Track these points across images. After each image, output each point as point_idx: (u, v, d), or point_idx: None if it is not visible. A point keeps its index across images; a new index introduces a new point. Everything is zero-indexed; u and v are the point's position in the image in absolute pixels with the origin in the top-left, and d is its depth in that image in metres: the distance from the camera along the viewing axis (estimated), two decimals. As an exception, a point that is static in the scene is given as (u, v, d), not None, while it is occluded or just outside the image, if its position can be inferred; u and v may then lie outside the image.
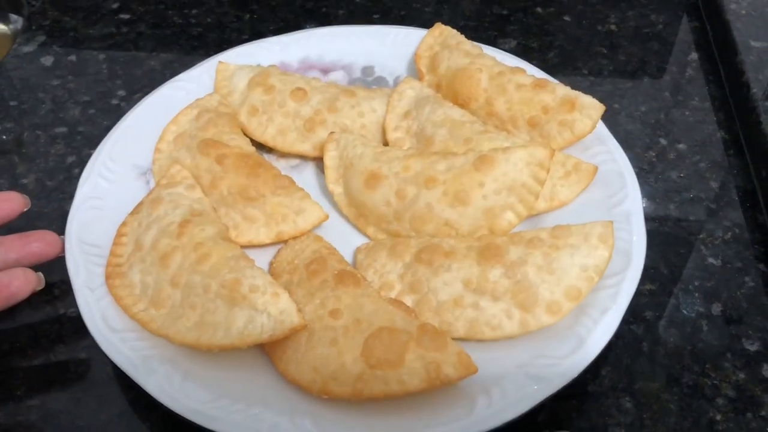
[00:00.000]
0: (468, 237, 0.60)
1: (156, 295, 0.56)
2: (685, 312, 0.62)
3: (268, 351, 0.55)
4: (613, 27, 0.92)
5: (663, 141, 0.77)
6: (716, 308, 0.62)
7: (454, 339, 0.53)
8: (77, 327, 0.60)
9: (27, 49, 0.88)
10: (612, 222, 0.58)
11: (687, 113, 0.80)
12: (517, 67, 0.71)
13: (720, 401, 0.56)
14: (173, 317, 0.55)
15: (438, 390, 0.51)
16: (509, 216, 0.61)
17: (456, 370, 0.50)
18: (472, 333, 0.55)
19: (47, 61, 0.87)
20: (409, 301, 0.57)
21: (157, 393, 0.51)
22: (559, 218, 0.63)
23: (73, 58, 0.87)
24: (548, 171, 0.60)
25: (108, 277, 0.58)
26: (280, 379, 0.53)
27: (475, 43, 0.77)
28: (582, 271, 0.56)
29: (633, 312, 0.61)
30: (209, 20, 0.93)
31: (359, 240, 0.65)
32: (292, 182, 0.64)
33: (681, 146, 0.76)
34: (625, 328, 0.61)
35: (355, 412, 0.51)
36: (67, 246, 0.60)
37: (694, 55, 0.87)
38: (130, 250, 0.60)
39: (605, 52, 0.88)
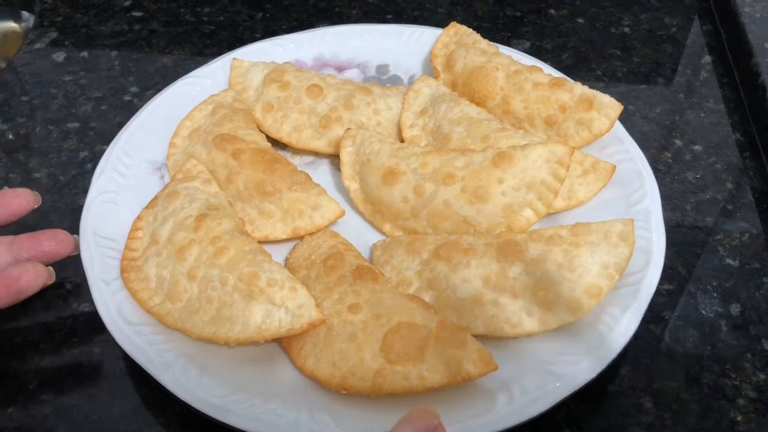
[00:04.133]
0: (486, 234, 0.60)
1: (172, 289, 0.55)
2: (703, 312, 0.61)
3: (285, 346, 0.54)
4: (626, 29, 0.91)
5: (678, 142, 0.77)
6: (735, 309, 0.62)
7: (473, 336, 0.53)
8: (90, 322, 0.59)
9: (38, 45, 0.88)
10: (632, 220, 0.57)
11: (702, 115, 0.80)
12: (534, 66, 0.71)
13: (741, 402, 0.55)
14: (190, 311, 0.54)
15: (458, 386, 0.50)
16: (528, 213, 0.60)
17: (476, 366, 0.49)
18: (491, 330, 0.54)
19: (59, 57, 0.86)
20: (427, 297, 0.57)
21: (173, 386, 0.51)
22: (577, 217, 0.62)
23: (85, 54, 0.87)
24: (568, 168, 0.60)
25: (123, 270, 0.58)
26: (297, 374, 0.53)
27: (491, 42, 0.76)
28: (603, 268, 0.55)
29: (651, 311, 0.61)
30: (222, 18, 0.92)
31: (375, 237, 0.64)
32: (309, 178, 0.64)
33: (696, 148, 0.76)
34: (644, 328, 0.60)
35: (374, 407, 0.51)
36: (82, 239, 0.60)
37: (708, 58, 0.87)
38: (145, 243, 0.59)
39: (619, 54, 0.88)
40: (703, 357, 0.58)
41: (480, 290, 0.55)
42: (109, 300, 0.56)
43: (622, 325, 0.54)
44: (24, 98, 0.81)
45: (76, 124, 0.78)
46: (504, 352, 0.53)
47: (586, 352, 0.53)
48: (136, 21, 0.92)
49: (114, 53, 0.87)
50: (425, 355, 0.50)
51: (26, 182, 0.71)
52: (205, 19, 0.92)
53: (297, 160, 0.71)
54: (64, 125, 0.78)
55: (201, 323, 0.53)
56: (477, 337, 0.53)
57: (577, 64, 0.86)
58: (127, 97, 0.81)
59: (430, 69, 0.77)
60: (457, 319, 0.55)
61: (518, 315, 0.54)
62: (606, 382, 0.57)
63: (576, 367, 0.52)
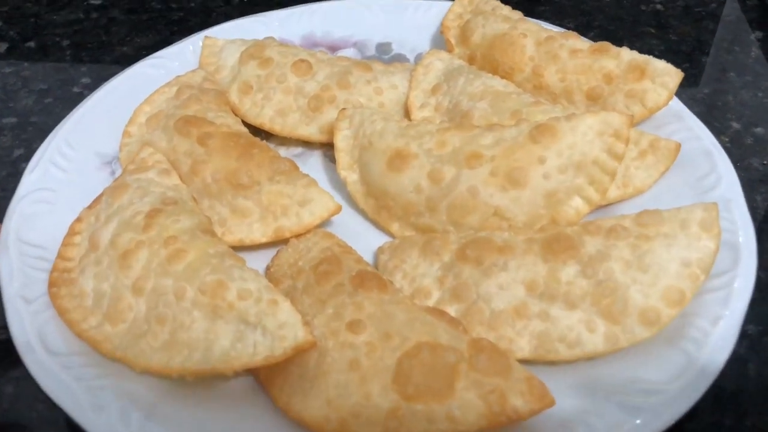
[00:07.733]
0: (526, 229, 0.46)
1: (113, 307, 0.42)
2: (801, 326, 0.48)
3: (263, 379, 0.41)
4: (659, 6, 0.81)
5: (736, 125, 0.65)
6: (841, 321, 0.49)
7: (518, 361, 0.39)
8: (6, 352, 0.45)
9: (-22, 35, 0.75)
10: (716, 204, 0.44)
11: (760, 95, 0.68)
12: (569, 31, 0.59)
13: None
14: (135, 335, 0.41)
15: (502, 429, 0.37)
16: (577, 202, 0.47)
17: (526, 401, 0.37)
18: (542, 352, 0.41)
19: (1, 47, 0.74)
20: (452, 311, 0.43)
21: (106, 438, 0.37)
22: (635, 210, 0.49)
23: (31, 44, 0.74)
24: (627, 142, 0.47)
25: (52, 284, 0.44)
26: (280, 417, 0.40)
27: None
28: (683, 267, 0.42)
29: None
30: (192, 5, 0.80)
31: (381, 240, 0.51)
32: (295, 166, 0.51)
33: (758, 130, 0.64)
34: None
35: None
36: (2, 245, 0.46)
37: (758, 34, 0.76)
38: (83, 251, 0.46)
39: (653, 31, 0.77)
40: (810, 384, 0.45)
41: (523, 299, 0.42)
42: (28, 322, 0.42)
43: (714, 341, 0.41)
44: (-46, 92, 0.68)
45: (13, 119, 0.65)
46: (560, 380, 0.40)
47: (671, 379, 0.40)
48: (94, 9, 0.80)
49: (66, 42, 0.75)
50: (455, 388, 0.37)
51: (-54, 185, 0.58)
52: (174, 5, 0.80)
53: (282, 152, 0.58)
54: (-1, 120, 0.65)
55: (149, 350, 0.40)
56: (523, 362, 0.40)
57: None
58: (77, 89, 0.69)
59: (441, 46, 0.65)
60: (495, 338, 0.41)
61: (576, 330, 0.41)
62: (682, 419, 0.43)
63: (659, 399, 0.39)
